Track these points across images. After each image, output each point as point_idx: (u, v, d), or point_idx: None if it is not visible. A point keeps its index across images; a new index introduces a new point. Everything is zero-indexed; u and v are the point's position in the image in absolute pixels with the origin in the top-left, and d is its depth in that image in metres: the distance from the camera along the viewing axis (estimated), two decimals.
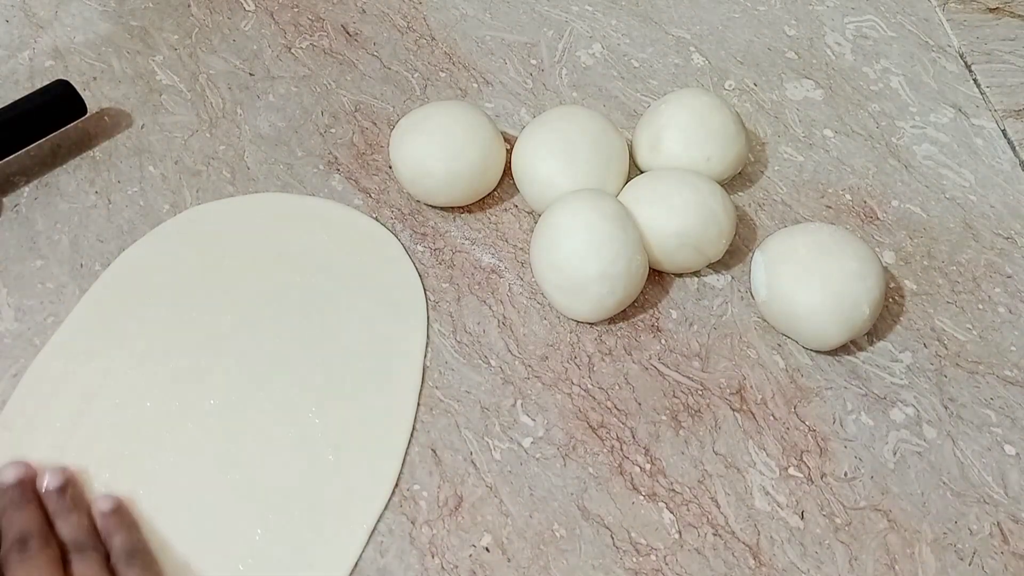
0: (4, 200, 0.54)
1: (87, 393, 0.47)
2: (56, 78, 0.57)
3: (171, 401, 0.48)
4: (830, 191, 0.59)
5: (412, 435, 0.48)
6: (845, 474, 0.47)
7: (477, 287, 0.53)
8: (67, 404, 0.47)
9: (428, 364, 0.50)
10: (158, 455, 0.46)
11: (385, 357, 0.50)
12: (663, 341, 0.51)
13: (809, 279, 0.49)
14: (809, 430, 0.49)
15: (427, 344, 0.51)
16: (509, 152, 0.56)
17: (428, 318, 0.51)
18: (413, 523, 0.45)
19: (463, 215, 0.56)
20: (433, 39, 0.65)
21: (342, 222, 0.55)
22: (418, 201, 0.56)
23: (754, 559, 0.44)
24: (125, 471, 0.45)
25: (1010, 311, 0.54)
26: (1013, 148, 0.62)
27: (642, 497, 0.46)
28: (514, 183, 0.56)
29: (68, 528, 0.41)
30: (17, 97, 0.55)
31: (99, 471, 0.45)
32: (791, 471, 0.47)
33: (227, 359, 0.49)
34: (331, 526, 0.44)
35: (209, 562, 0.43)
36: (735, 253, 0.55)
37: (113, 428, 0.47)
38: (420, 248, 0.55)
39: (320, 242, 0.54)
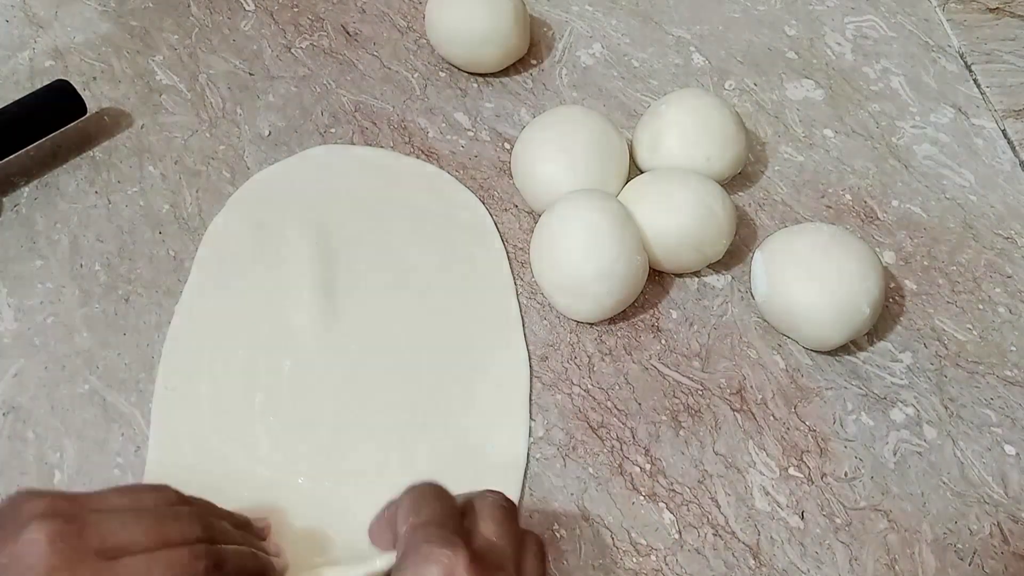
0: (4, 200, 0.54)
1: (230, 349, 0.49)
2: (56, 78, 0.56)
3: (313, 358, 0.49)
4: (830, 191, 0.59)
5: None
6: (845, 474, 0.47)
7: None
8: (213, 360, 0.49)
9: None
10: (305, 412, 0.48)
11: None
12: (663, 341, 0.51)
13: (809, 279, 0.49)
14: (809, 430, 0.49)
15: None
16: (532, 35, 0.63)
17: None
18: None
19: None
20: None
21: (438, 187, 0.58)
22: None
23: (754, 559, 0.44)
24: (281, 420, 0.47)
25: (1010, 311, 0.54)
26: (1013, 148, 0.62)
27: (642, 497, 0.46)
28: (514, 183, 0.56)
29: None
30: (17, 97, 0.55)
31: (259, 419, 0.47)
32: (791, 471, 0.47)
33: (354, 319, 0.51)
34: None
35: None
36: (735, 253, 0.55)
37: (264, 383, 0.48)
38: None
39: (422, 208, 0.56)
